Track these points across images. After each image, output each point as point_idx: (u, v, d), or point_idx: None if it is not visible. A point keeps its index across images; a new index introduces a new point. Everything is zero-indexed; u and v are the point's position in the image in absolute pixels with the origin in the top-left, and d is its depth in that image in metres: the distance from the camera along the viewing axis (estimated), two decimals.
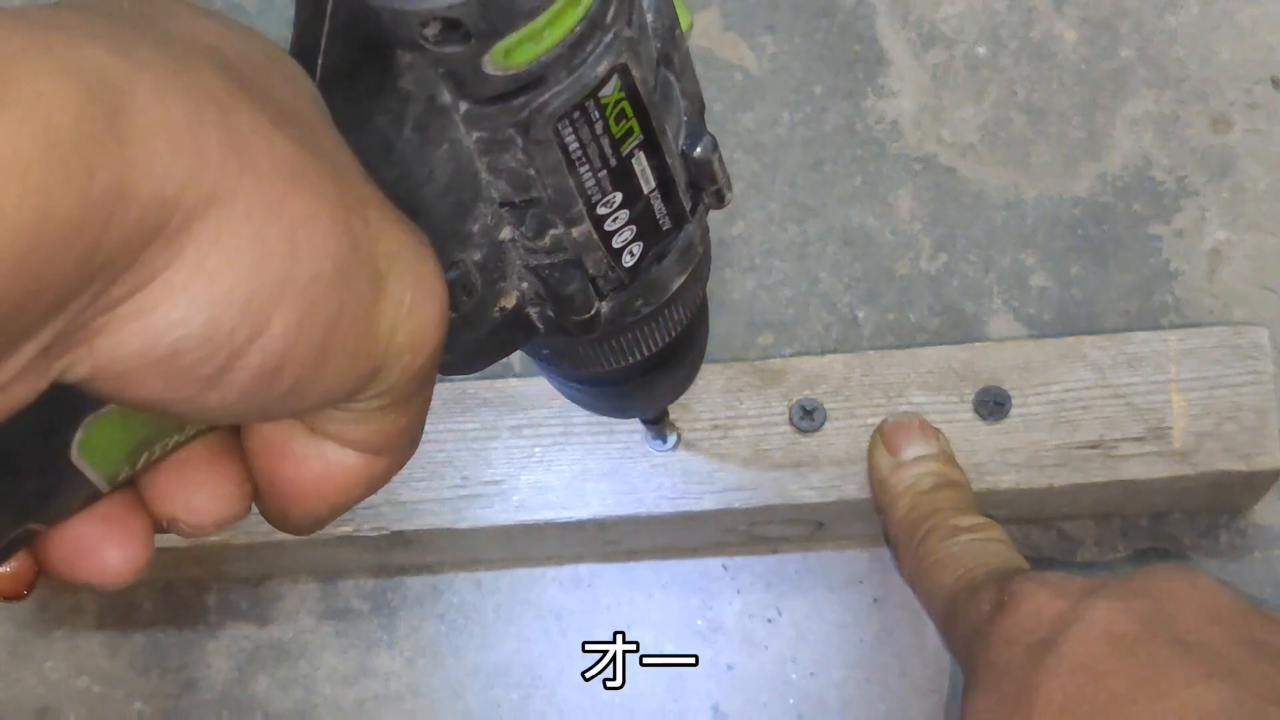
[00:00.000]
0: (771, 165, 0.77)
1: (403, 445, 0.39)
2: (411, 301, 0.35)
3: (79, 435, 0.36)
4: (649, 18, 0.41)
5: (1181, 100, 0.77)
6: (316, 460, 0.38)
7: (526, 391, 0.69)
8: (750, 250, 0.76)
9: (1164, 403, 0.68)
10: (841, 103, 0.78)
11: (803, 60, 0.78)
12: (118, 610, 0.74)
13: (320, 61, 0.38)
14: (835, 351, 0.71)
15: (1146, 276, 0.75)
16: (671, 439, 0.68)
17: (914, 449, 0.67)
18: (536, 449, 0.69)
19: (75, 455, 0.36)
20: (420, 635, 0.74)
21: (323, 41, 0.37)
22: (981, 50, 0.78)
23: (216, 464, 0.39)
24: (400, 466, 0.40)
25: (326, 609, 0.74)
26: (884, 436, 0.67)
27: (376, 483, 0.39)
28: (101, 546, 0.38)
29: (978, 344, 0.70)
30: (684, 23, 0.43)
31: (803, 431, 0.68)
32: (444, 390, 0.68)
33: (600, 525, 0.69)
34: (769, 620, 0.73)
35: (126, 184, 0.29)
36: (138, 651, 0.74)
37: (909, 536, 0.64)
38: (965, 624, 0.59)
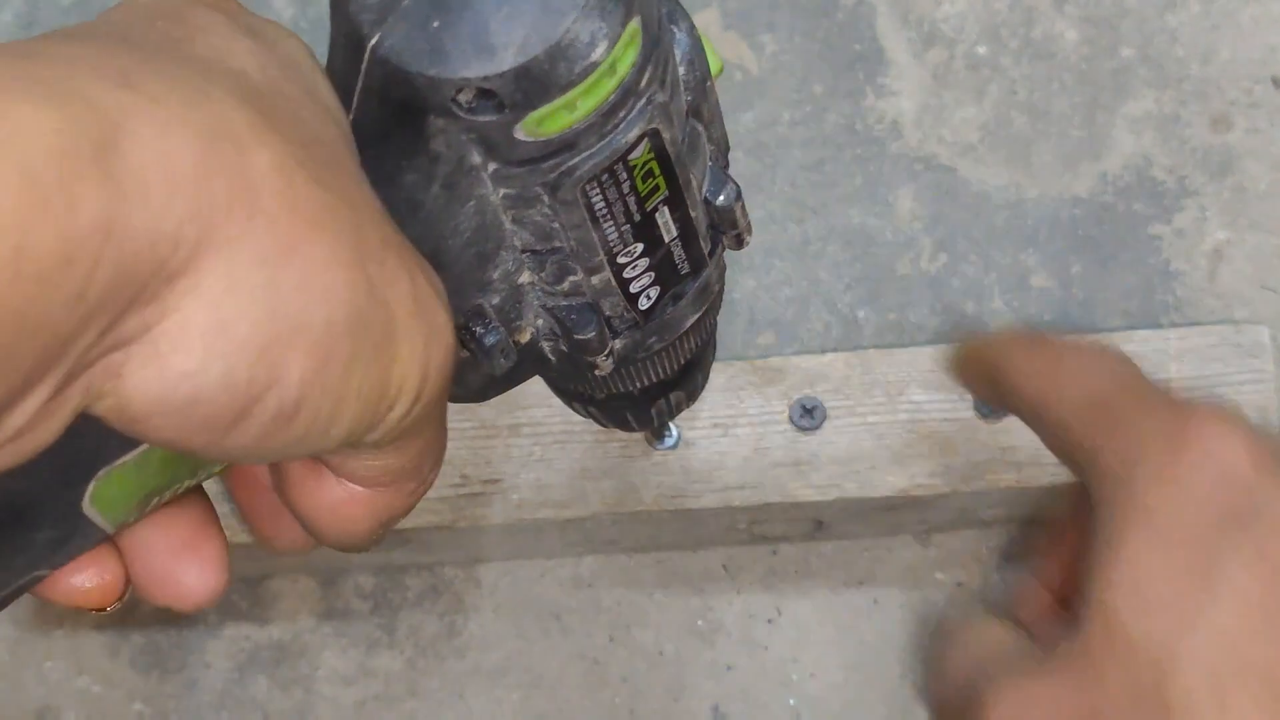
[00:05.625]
0: (772, 165, 0.77)
1: (402, 481, 0.39)
2: (424, 348, 0.35)
3: (91, 487, 0.36)
4: (680, 70, 0.41)
5: (1182, 100, 0.77)
6: (317, 490, 0.39)
7: (526, 391, 0.69)
8: (750, 249, 0.76)
9: None
10: (841, 102, 0.78)
11: (803, 60, 0.78)
12: (118, 610, 0.74)
13: (352, 116, 0.37)
14: (835, 350, 0.71)
15: (1147, 276, 0.75)
16: (672, 437, 0.68)
17: None
18: (536, 448, 0.69)
19: (87, 505, 0.37)
20: (420, 635, 0.74)
21: (355, 97, 0.37)
22: (982, 50, 0.78)
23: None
24: (410, 501, 0.40)
25: (326, 609, 0.74)
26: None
27: (383, 515, 0.39)
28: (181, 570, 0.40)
29: None
30: (714, 69, 0.43)
31: (803, 430, 0.68)
32: None
33: (600, 524, 0.69)
34: (769, 620, 0.73)
35: (117, 220, 0.28)
36: (138, 651, 0.74)
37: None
38: (1120, 440, 0.49)
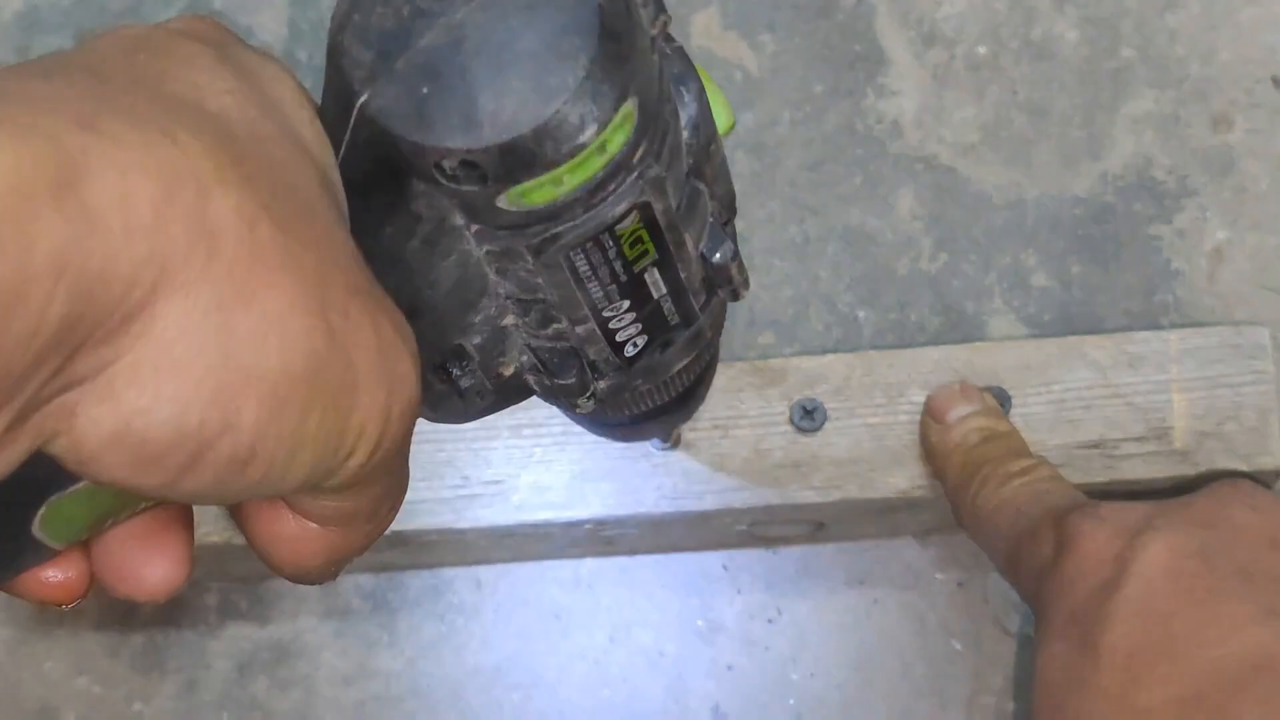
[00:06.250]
0: (771, 165, 0.77)
1: (358, 522, 0.39)
2: (385, 398, 0.34)
3: (41, 512, 0.36)
4: (685, 135, 0.40)
5: (1182, 100, 0.77)
6: (272, 523, 0.38)
7: None
8: (750, 250, 0.76)
9: (1165, 402, 0.68)
10: (841, 102, 0.78)
11: (803, 60, 0.78)
12: (118, 610, 0.74)
13: (339, 165, 0.37)
14: (836, 351, 0.71)
15: (1147, 276, 0.75)
16: (671, 439, 0.68)
17: (957, 411, 0.67)
18: (536, 449, 0.69)
19: (36, 528, 0.36)
20: (420, 635, 0.74)
21: (343, 148, 0.37)
22: (982, 50, 0.78)
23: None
24: (365, 541, 0.39)
25: (326, 609, 0.74)
26: (929, 407, 0.68)
27: (337, 553, 0.39)
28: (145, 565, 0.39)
29: (978, 343, 0.70)
30: (724, 126, 0.42)
31: (803, 431, 0.68)
32: None
33: (600, 525, 0.69)
34: (769, 620, 0.73)
35: (73, 259, 0.28)
36: (138, 651, 0.74)
37: (964, 492, 0.65)
38: (1029, 568, 0.59)
